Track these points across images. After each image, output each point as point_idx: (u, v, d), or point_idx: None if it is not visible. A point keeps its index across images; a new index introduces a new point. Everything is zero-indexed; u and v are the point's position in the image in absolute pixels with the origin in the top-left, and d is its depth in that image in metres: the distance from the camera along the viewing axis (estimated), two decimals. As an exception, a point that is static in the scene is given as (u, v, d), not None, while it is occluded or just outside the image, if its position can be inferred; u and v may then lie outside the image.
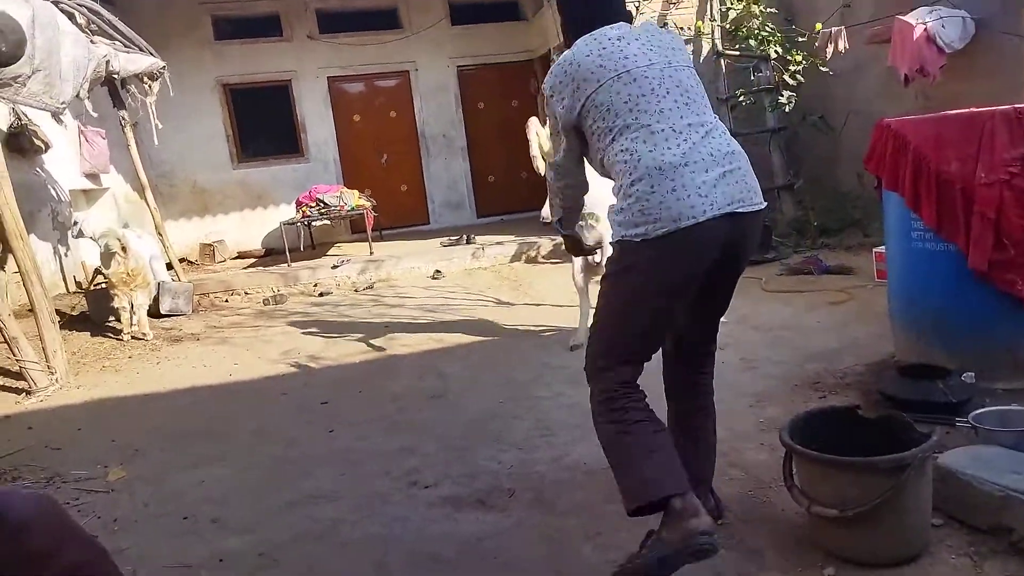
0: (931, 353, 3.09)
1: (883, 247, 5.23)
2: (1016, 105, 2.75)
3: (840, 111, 7.00)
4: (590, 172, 2.29)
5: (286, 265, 8.30)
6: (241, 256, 10.05)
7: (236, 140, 10.22)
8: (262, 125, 10.32)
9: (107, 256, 5.60)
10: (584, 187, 2.33)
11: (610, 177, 2.08)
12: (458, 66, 10.70)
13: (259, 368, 4.73)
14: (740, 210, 1.96)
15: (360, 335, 5.37)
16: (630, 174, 1.96)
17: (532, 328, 5.04)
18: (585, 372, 2.13)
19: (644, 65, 2.03)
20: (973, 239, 2.83)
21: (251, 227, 10.29)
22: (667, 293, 2.00)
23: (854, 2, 6.63)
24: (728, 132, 2.10)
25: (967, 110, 2.98)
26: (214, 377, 4.61)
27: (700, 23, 7.25)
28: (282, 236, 8.76)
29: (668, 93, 2.01)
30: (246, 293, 7.64)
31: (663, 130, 1.97)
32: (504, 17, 10.78)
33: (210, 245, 9.84)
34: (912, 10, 5.48)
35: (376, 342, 5.10)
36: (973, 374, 2.89)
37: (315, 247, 9.85)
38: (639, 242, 1.94)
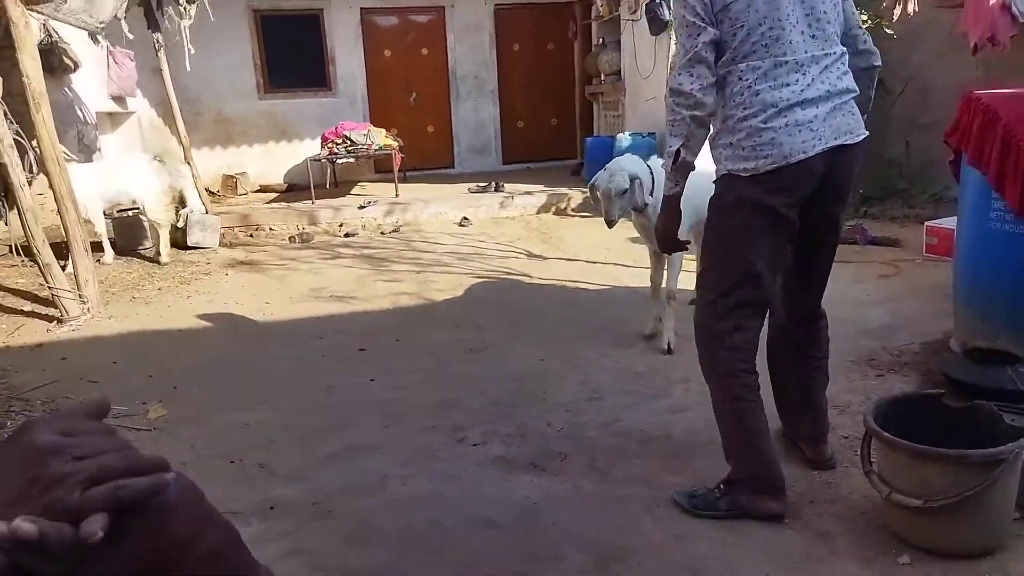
0: (995, 337, 2.97)
1: (933, 220, 5.11)
2: None
3: (892, 75, 6.69)
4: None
5: (310, 202, 8.17)
6: (263, 190, 9.91)
7: (263, 70, 9.96)
8: (291, 56, 10.02)
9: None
10: (713, 104, 2.03)
11: (716, 96, 2.02)
12: (495, 4, 10.33)
13: (291, 309, 4.66)
14: (847, 142, 2.00)
15: (392, 280, 5.29)
16: (745, 107, 1.97)
17: (568, 284, 4.94)
18: (698, 334, 2.18)
19: None
20: (1060, 224, 2.70)
21: (274, 160, 10.12)
22: (773, 228, 2.03)
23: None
24: (846, 64, 2.07)
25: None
26: (247, 315, 4.54)
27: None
28: (307, 171, 8.60)
29: (798, 22, 1.97)
30: (271, 229, 7.54)
31: (786, 63, 1.95)
32: (546, -45, 10.37)
33: (232, 177, 9.69)
34: (988, -27, 5.19)
35: (409, 288, 5.02)
36: (1037, 362, 2.79)
37: (337, 185, 9.70)
38: (748, 177, 1.98)
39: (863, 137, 2.06)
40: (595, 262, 5.44)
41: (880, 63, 2.23)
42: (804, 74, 1.96)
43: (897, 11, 5.72)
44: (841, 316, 3.86)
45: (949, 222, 4.82)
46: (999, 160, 2.86)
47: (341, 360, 3.69)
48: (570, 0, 10.37)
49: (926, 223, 5.09)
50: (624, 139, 7.56)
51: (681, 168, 2.07)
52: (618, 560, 2.01)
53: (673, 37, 7.36)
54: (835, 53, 2.02)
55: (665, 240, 2.29)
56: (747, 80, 1.96)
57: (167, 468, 0.79)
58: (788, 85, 1.95)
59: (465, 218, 7.51)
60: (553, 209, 7.77)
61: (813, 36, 1.98)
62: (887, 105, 6.78)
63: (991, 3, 4.95)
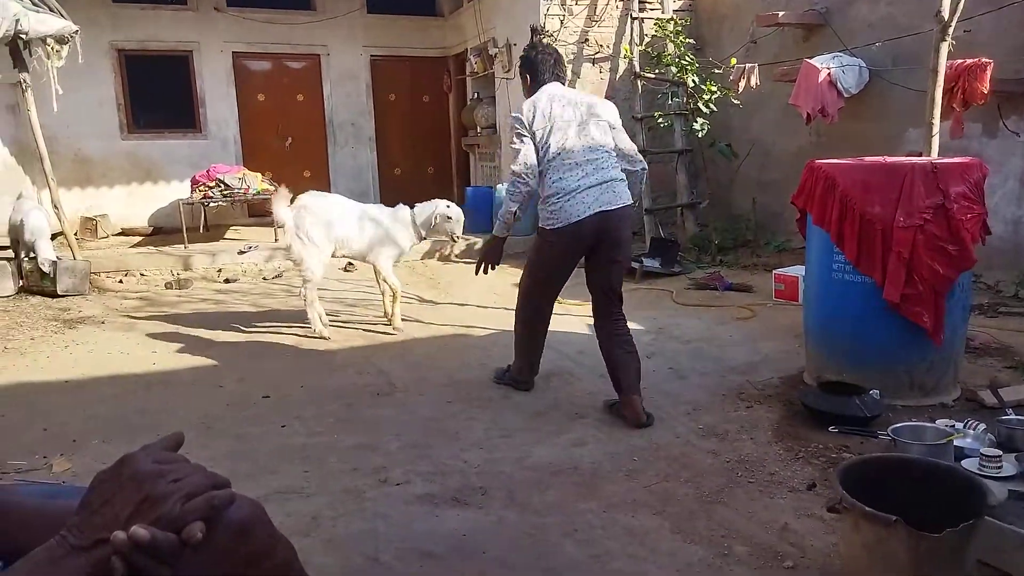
0: (841, 371, 3.50)
1: (780, 269, 5.80)
2: (934, 160, 3.18)
3: (737, 139, 7.58)
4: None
5: (183, 247, 7.94)
6: (124, 233, 9.49)
7: (127, 109, 9.60)
8: (158, 96, 9.76)
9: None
10: (536, 183, 3.43)
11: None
12: (371, 55, 10.57)
13: (182, 358, 4.57)
14: (606, 209, 3.31)
15: (283, 326, 5.29)
16: (550, 191, 3.37)
17: (463, 328, 5.16)
18: (518, 302, 3.74)
19: (570, 120, 3.40)
20: (888, 275, 3.26)
21: (137, 203, 9.73)
22: (563, 260, 3.50)
23: (759, 41, 7.22)
24: (614, 161, 3.43)
25: (891, 159, 3.41)
26: (135, 365, 4.41)
27: (626, 47, 7.63)
28: (174, 214, 8.39)
29: (579, 139, 3.38)
30: (142, 275, 7.24)
31: (571, 164, 3.35)
32: (421, 11, 10.77)
33: (92, 219, 9.19)
34: (817, 55, 6.06)
35: (304, 334, 5.05)
36: (878, 391, 3.30)
37: (208, 229, 9.44)
38: (550, 230, 3.38)
39: (621, 206, 3.35)
40: (485, 307, 5.71)
41: (644, 167, 3.60)
42: (582, 171, 3.34)
43: (741, 84, 6.53)
44: (711, 354, 4.35)
45: (794, 270, 5.50)
46: (838, 221, 3.40)
47: (247, 408, 3.70)
48: (444, 56, 10.80)
49: (774, 271, 5.76)
50: (503, 189, 7.95)
51: (514, 221, 3.46)
52: (548, 580, 2.23)
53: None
54: (603, 157, 3.38)
55: (482, 264, 3.64)
56: (553, 176, 3.36)
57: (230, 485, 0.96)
58: (573, 178, 3.32)
59: (351, 263, 7.56)
60: (437, 255, 7.99)
61: (588, 147, 3.37)
62: (735, 167, 7.61)
63: (820, 80, 5.78)
